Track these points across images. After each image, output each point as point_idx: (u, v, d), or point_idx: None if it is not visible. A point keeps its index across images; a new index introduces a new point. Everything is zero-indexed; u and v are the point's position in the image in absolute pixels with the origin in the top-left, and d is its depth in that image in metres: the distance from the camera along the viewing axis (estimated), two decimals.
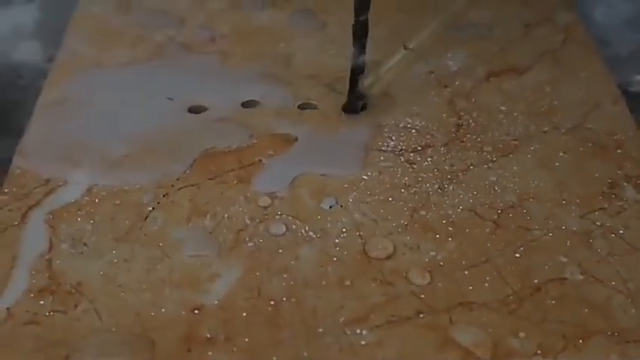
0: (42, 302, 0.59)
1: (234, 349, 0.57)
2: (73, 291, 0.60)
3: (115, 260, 0.63)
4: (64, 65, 0.82)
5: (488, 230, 0.65)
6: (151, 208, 0.67)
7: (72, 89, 0.79)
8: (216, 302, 0.60)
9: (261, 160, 0.72)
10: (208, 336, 0.57)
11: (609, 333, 0.58)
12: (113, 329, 0.58)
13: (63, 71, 0.81)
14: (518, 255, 0.63)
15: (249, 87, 0.80)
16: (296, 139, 0.74)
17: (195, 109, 0.77)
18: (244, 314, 0.59)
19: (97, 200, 0.68)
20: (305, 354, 0.56)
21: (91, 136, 0.74)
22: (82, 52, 0.85)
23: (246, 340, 0.57)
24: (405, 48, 0.81)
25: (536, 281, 0.61)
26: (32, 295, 0.60)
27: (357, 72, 0.75)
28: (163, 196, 0.68)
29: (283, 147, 0.73)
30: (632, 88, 0.86)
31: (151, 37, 0.87)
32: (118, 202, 0.67)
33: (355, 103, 0.77)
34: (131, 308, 0.59)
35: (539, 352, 0.57)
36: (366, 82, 0.76)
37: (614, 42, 0.92)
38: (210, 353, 0.56)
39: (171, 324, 0.58)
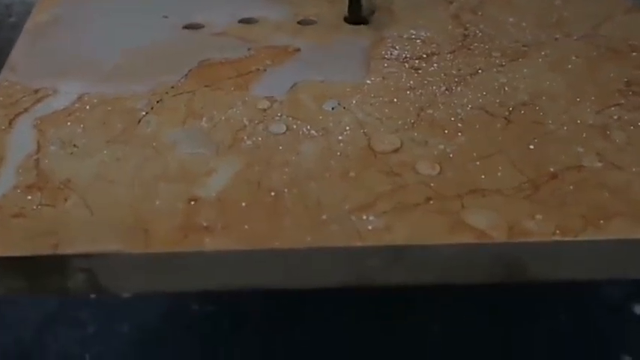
0: (30, 197, 0.56)
1: (234, 236, 0.52)
2: (62, 187, 0.57)
3: (106, 159, 0.59)
4: None
5: (499, 126, 0.62)
6: (144, 113, 0.63)
7: (63, 11, 0.77)
8: (213, 194, 0.56)
9: (259, 69, 0.68)
10: (205, 224, 0.53)
11: (631, 213, 0.54)
12: (104, 220, 0.53)
13: None
14: (532, 147, 0.60)
15: (247, 5, 0.77)
16: (296, 50, 0.70)
17: (191, 26, 0.74)
18: (243, 204, 0.55)
19: (87, 107, 0.64)
20: (308, 239, 0.52)
21: (82, 50, 0.71)
22: None
23: (246, 227, 0.53)
24: None
25: (552, 169, 0.58)
26: (19, 191, 0.56)
27: None
28: (157, 102, 0.65)
29: (283, 57, 0.70)
30: None
31: None
32: (109, 108, 0.64)
33: (357, 14, 0.73)
34: (123, 201, 0.56)
35: (557, 232, 0.52)
36: None
37: None
38: (207, 240, 0.52)
39: (166, 214, 0.54)
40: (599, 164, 0.58)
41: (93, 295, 0.91)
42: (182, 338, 0.89)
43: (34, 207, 0.55)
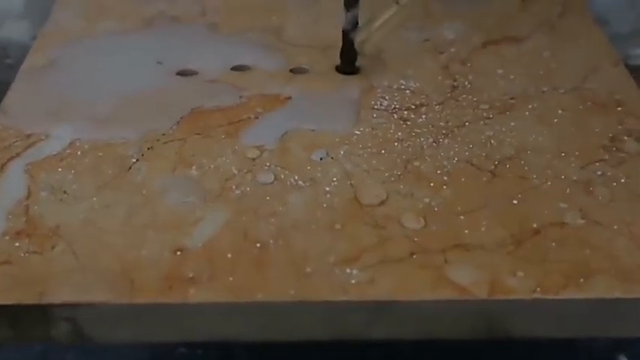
0: (18, 244, 0.57)
1: (218, 287, 0.53)
2: (51, 234, 0.58)
3: (96, 206, 0.60)
4: (50, 35, 0.81)
5: (484, 179, 0.63)
6: (135, 160, 0.64)
7: (58, 55, 0.78)
8: (199, 245, 0.56)
9: (250, 117, 0.69)
10: (191, 275, 0.54)
11: (613, 272, 0.54)
12: (91, 269, 0.54)
13: (48, 41, 0.80)
14: (516, 202, 0.61)
15: (240, 53, 0.79)
16: (287, 98, 0.71)
17: (184, 73, 0.75)
18: (229, 255, 0.56)
19: (79, 153, 0.65)
20: (292, 292, 0.53)
21: (75, 95, 0.72)
22: (68, 24, 0.83)
23: (231, 279, 0.54)
24: (397, 2, 0.78)
25: (535, 225, 0.58)
26: (8, 238, 0.57)
27: (349, 32, 0.73)
28: (148, 149, 0.66)
29: (274, 105, 0.71)
30: (632, 61, 0.84)
31: (142, 12, 0.85)
32: (100, 154, 0.65)
33: (348, 65, 0.74)
34: (110, 249, 0.56)
35: (538, 289, 0.53)
36: (358, 37, 0.74)
37: (612, 21, 0.90)
38: (192, 291, 0.53)
39: (152, 264, 0.55)
40: (582, 221, 0.59)
41: None
42: None
43: (22, 254, 0.56)
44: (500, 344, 0.91)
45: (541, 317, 0.54)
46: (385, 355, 0.89)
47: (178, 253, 0.56)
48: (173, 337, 0.55)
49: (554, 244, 0.57)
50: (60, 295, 0.53)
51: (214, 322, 0.54)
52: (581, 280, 0.55)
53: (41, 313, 0.53)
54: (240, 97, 0.72)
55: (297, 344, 0.86)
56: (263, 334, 0.54)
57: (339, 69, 0.75)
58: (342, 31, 0.73)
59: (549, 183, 0.63)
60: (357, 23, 0.73)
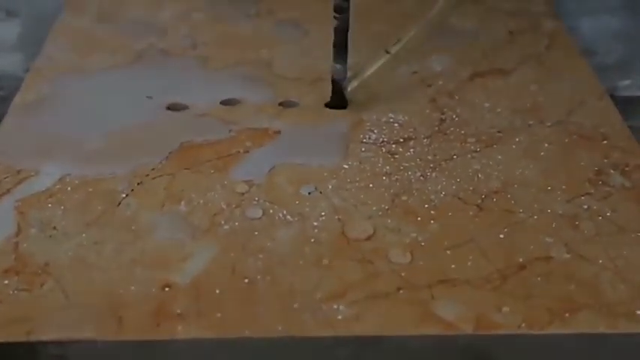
0: (6, 282, 0.57)
1: (206, 324, 0.54)
2: (40, 271, 0.58)
3: (85, 243, 0.61)
4: (41, 69, 0.82)
5: (471, 213, 0.63)
6: (124, 195, 0.65)
7: (48, 90, 0.78)
8: (188, 281, 0.57)
9: (239, 152, 0.69)
10: (179, 312, 0.54)
11: (597, 307, 0.55)
12: (79, 306, 0.54)
13: (40, 75, 0.81)
14: (502, 236, 0.61)
15: (230, 87, 0.79)
16: (276, 132, 0.72)
17: (174, 107, 0.76)
18: (217, 291, 0.56)
19: (69, 188, 0.66)
20: (280, 328, 0.53)
21: (66, 131, 0.73)
22: (60, 57, 0.84)
23: (219, 315, 0.54)
24: (387, 52, 0.79)
25: (520, 260, 0.59)
26: None
27: (339, 81, 0.74)
28: (138, 184, 0.66)
29: (263, 139, 0.72)
30: (619, 92, 0.85)
31: (132, 45, 0.86)
32: (90, 189, 0.66)
33: (338, 101, 0.75)
34: (99, 287, 0.57)
35: (523, 324, 0.53)
36: (349, 86, 0.74)
37: (600, 52, 0.91)
38: (180, 328, 0.53)
39: (140, 301, 0.55)
40: (567, 255, 0.59)
41: None
42: None
43: (10, 292, 0.56)
44: None
45: (527, 352, 0.55)
46: None
47: (167, 289, 0.57)
48: None
49: (539, 278, 0.58)
50: (49, 332, 0.53)
51: (202, 358, 0.54)
52: (566, 314, 0.55)
53: (30, 350, 0.53)
54: (230, 131, 0.73)
55: None
56: None
57: (329, 104, 0.75)
58: (332, 80, 0.74)
59: (535, 217, 0.63)
60: (346, 74, 0.73)
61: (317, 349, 0.54)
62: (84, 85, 0.79)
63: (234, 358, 0.55)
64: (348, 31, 0.71)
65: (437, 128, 0.73)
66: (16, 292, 0.57)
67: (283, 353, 0.54)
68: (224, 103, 0.77)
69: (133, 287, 0.57)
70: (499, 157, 0.70)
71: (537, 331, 0.54)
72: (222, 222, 0.63)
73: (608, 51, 0.92)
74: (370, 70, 0.76)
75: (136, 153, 0.70)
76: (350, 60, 0.74)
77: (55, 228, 0.62)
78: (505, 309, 0.55)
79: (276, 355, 0.54)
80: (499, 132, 0.73)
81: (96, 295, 0.56)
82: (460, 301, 0.56)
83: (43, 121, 0.73)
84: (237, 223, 0.62)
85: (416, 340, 0.54)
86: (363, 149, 0.71)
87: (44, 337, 0.54)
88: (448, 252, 0.60)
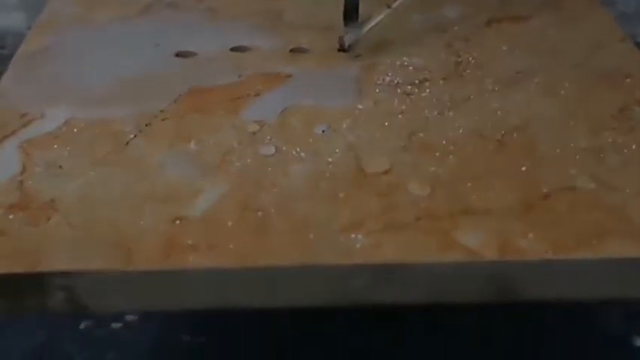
0: (12, 217, 0.55)
1: (218, 254, 0.51)
2: (46, 207, 0.56)
3: (93, 180, 0.58)
4: (46, 23, 0.80)
5: (491, 148, 0.61)
6: (132, 136, 0.62)
7: (53, 41, 0.76)
8: (199, 214, 0.54)
9: (249, 95, 0.67)
10: (189, 243, 0.52)
11: (627, 232, 0.52)
12: (87, 238, 0.52)
13: (45, 27, 0.79)
14: (524, 168, 0.59)
15: (239, 35, 0.77)
16: (287, 77, 0.70)
17: (182, 54, 0.74)
18: (229, 223, 0.54)
19: (75, 130, 0.64)
20: (295, 257, 0.51)
21: (72, 77, 0.71)
22: (66, 11, 0.82)
23: (231, 246, 0.52)
24: (388, 7, 0.76)
25: (545, 190, 0.56)
26: (2, 211, 0.55)
27: (350, 11, 0.71)
28: (146, 125, 0.64)
29: (274, 83, 0.70)
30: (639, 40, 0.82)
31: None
32: (97, 131, 0.63)
33: (349, 45, 0.72)
34: (107, 221, 0.55)
35: (550, 251, 0.51)
36: (349, 39, 0.72)
37: (619, 1, 0.89)
38: (191, 258, 0.51)
39: (150, 233, 0.53)
40: (593, 185, 0.57)
41: (82, 326, 0.89)
42: None
43: (16, 226, 0.54)
44: (515, 328, 0.89)
45: (552, 280, 0.52)
46: None
47: (177, 222, 0.54)
48: (172, 307, 0.53)
49: (565, 207, 0.55)
50: (55, 264, 0.51)
51: (214, 290, 0.52)
52: (594, 241, 0.52)
53: (36, 282, 0.51)
54: (240, 75, 0.71)
55: (300, 330, 0.84)
56: (265, 301, 0.52)
57: (342, 49, 0.73)
58: (344, 12, 0.72)
59: (558, 150, 0.61)
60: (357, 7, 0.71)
61: (334, 278, 0.52)
62: (90, 36, 0.77)
63: (247, 288, 0.52)
64: None
65: (453, 71, 0.71)
66: (21, 226, 0.54)
67: (299, 283, 0.52)
68: (234, 50, 0.74)
69: (142, 221, 0.55)
70: (518, 96, 0.67)
71: (564, 256, 0.51)
72: (234, 159, 0.60)
73: (627, 0, 0.89)
74: (371, 24, 0.74)
75: (143, 97, 0.68)
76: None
77: (60, 167, 0.60)
78: (530, 236, 0.53)
79: (292, 284, 0.52)
80: (518, 73, 0.70)
81: (104, 228, 0.54)
82: (483, 229, 0.53)
83: (48, 69, 0.72)
84: (249, 160, 0.60)
85: (438, 267, 0.51)
86: (377, 90, 0.69)
87: (50, 268, 0.51)
88: (469, 184, 0.57)
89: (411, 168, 0.59)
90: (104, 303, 0.52)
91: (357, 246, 0.52)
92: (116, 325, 0.92)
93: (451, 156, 0.60)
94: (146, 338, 0.89)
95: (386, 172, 0.59)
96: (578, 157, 0.60)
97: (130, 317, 0.92)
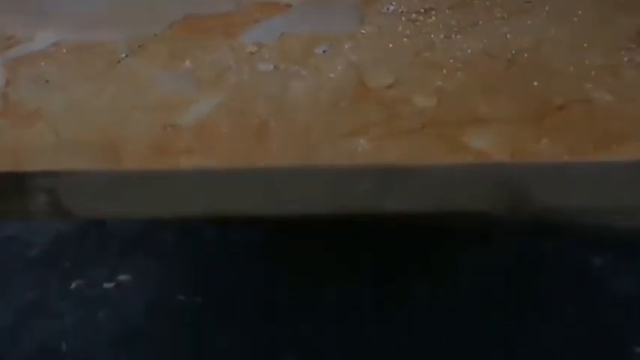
0: None
1: (214, 155, 0.48)
2: (32, 115, 0.52)
3: (81, 93, 0.55)
4: None
5: (501, 67, 0.58)
6: (124, 55, 0.59)
7: None
8: (192, 121, 0.51)
9: (248, 22, 0.64)
10: (182, 146, 0.48)
11: None
12: (73, 142, 0.49)
13: None
14: (536, 83, 0.55)
15: None
16: (287, 6, 0.67)
17: None
18: (225, 129, 0.50)
19: (64, 50, 0.60)
20: (295, 159, 0.47)
21: (62, 2, 0.67)
22: None
23: (227, 149, 0.48)
24: None
25: (559, 102, 0.53)
26: None
27: None
28: (139, 46, 0.60)
29: (273, 12, 0.67)
30: None
31: None
32: (87, 51, 0.60)
33: None
34: (95, 127, 0.51)
35: (565, 154, 0.47)
36: None
37: None
38: (184, 159, 0.48)
39: (140, 137, 0.50)
40: (610, 98, 0.53)
41: (72, 285, 0.85)
42: (166, 329, 0.83)
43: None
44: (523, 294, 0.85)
45: (568, 185, 0.48)
46: None
47: (169, 129, 0.51)
48: (163, 212, 0.49)
49: (581, 117, 0.52)
50: (39, 163, 0.47)
51: (208, 193, 0.48)
52: (614, 145, 0.49)
53: (18, 182, 0.48)
54: (237, 4, 0.67)
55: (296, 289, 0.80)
56: (262, 207, 0.49)
57: None
58: None
59: (572, 68, 0.57)
60: None
61: (336, 183, 0.48)
62: None
63: (243, 192, 0.48)
64: None
65: (460, 0, 0.67)
66: (4, 131, 0.51)
67: (299, 187, 0.48)
68: None
69: (131, 128, 0.51)
70: (529, 22, 0.64)
71: (582, 159, 0.47)
72: (230, 76, 0.57)
73: None
74: None
75: (136, 22, 0.65)
76: None
77: (47, 82, 0.56)
78: (544, 140, 0.49)
79: (291, 189, 0.48)
80: (527, 2, 0.67)
81: (91, 134, 0.51)
82: (494, 132, 0.50)
83: None
84: (246, 76, 0.57)
85: (445, 171, 0.48)
86: (381, 18, 0.65)
87: (34, 168, 0.47)
88: (478, 96, 0.53)
89: (416, 83, 0.56)
90: (89, 207, 0.48)
91: (360, 149, 0.48)
92: (108, 285, 0.88)
93: (459, 72, 0.57)
94: (139, 298, 0.85)
95: (390, 87, 0.55)
96: (593, 73, 0.56)
97: (122, 277, 0.88)
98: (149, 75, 0.57)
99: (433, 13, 0.66)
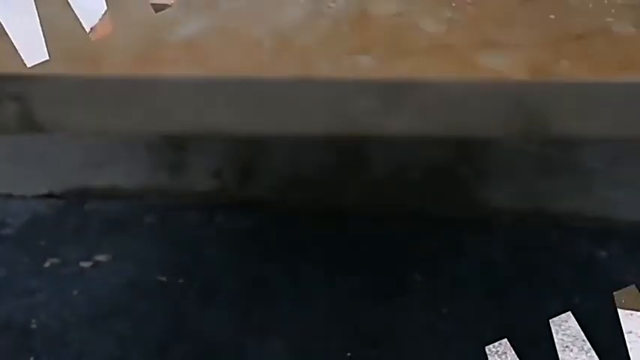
0: None
1: (200, 66, 0.43)
2: None
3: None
4: None
5: (515, 2, 0.53)
6: None
7: None
8: (179, 38, 0.46)
9: None
10: (168, 57, 0.43)
11: None
12: (47, 45, 0.44)
13: None
14: (553, 16, 0.51)
15: None
16: None
17: None
18: (215, 46, 0.45)
19: None
20: (290, 70, 0.42)
21: None
22: None
23: (216, 61, 0.43)
24: None
25: (578, 32, 0.48)
26: None
27: None
28: None
29: None
30: None
31: None
32: None
33: None
34: (72, 35, 0.45)
35: (588, 74, 0.42)
36: None
37: None
38: (168, 67, 0.42)
39: (121, 47, 0.44)
40: (633, 29, 0.49)
41: (47, 264, 0.79)
42: (145, 311, 0.78)
43: None
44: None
45: (591, 108, 0.43)
46: None
47: (154, 42, 0.45)
48: (143, 125, 0.44)
49: (602, 45, 0.47)
50: (6, 66, 0.42)
51: (195, 107, 0.43)
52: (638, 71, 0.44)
53: None
54: None
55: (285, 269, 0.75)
56: (251, 122, 0.43)
57: None
58: None
59: (591, 5, 0.53)
60: None
61: (335, 99, 0.43)
62: None
63: (232, 106, 0.43)
64: None
65: None
66: None
67: (293, 102, 0.43)
68: None
69: (113, 39, 0.46)
70: None
71: (605, 79, 0.42)
72: (223, 3, 0.52)
73: None
74: None
75: None
76: None
77: None
78: (564, 62, 0.44)
79: (285, 104, 0.43)
80: None
81: (67, 40, 0.45)
82: (510, 54, 0.45)
83: None
84: (240, 2, 0.52)
85: (456, 89, 0.43)
86: None
87: (2, 70, 0.42)
88: (491, 24, 0.49)
89: (424, 12, 0.51)
90: (63, 120, 0.43)
91: (363, 65, 0.43)
92: (85, 264, 0.82)
93: (469, 5, 0.52)
94: (120, 278, 0.80)
95: (396, 15, 0.50)
96: (613, 10, 0.52)
97: (100, 257, 0.83)
98: None
99: None
